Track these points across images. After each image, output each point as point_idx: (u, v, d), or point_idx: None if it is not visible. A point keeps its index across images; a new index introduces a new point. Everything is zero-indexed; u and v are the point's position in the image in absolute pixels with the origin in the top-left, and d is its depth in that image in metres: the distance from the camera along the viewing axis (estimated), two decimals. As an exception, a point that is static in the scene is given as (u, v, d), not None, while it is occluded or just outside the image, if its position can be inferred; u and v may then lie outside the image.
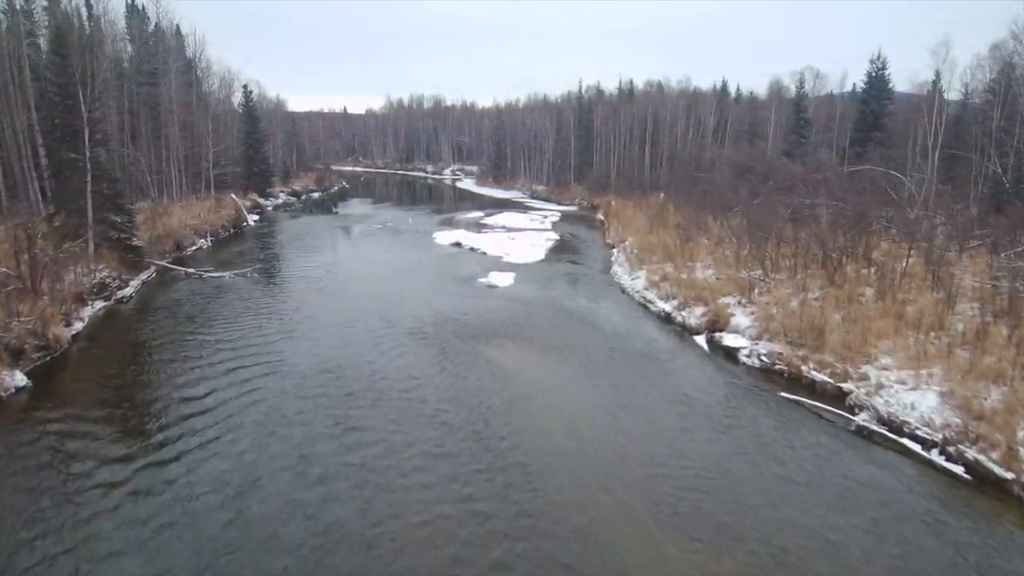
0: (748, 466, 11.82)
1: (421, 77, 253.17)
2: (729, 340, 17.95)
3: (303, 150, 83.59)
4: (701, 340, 18.91)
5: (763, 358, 16.70)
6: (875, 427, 13.18)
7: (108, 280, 23.42)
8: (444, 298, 23.63)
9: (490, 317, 21.16)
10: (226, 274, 27.14)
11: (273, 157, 68.61)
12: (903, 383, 13.97)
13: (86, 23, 39.77)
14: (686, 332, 19.90)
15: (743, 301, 20.00)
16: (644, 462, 11.85)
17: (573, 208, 57.15)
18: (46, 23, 37.04)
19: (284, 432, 12.60)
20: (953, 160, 36.92)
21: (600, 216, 48.64)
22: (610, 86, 74.21)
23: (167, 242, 31.04)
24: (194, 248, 33.62)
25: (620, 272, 27.34)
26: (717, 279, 22.95)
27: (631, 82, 72.37)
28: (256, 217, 46.75)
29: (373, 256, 32.98)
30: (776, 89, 50.79)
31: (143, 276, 26.19)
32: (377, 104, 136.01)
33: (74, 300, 20.70)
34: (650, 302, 22.65)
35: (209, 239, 35.84)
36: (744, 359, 17.10)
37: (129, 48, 48.47)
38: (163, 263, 27.99)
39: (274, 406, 13.72)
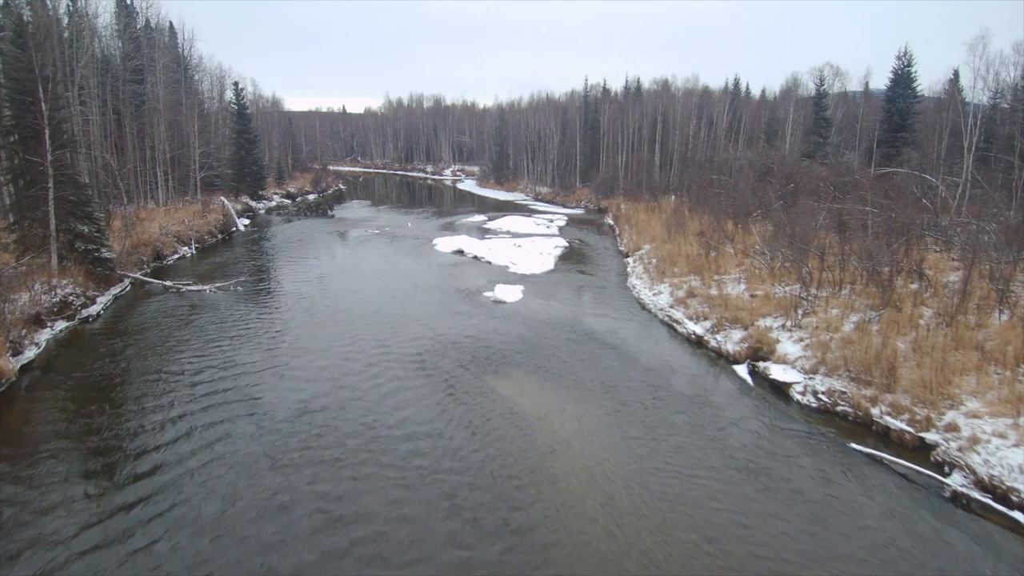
0: (826, 549, 9.42)
1: (421, 76, 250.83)
2: (778, 372, 15.53)
3: (299, 150, 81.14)
4: (742, 371, 16.49)
5: (821, 396, 14.29)
6: (976, 494, 10.77)
7: (72, 297, 21.00)
8: (447, 317, 21.23)
9: (500, 341, 18.75)
10: (206, 288, 24.70)
11: (268, 158, 66.30)
12: (1002, 437, 11.55)
13: (63, 16, 37.44)
14: (723, 359, 17.50)
15: (787, 324, 17.58)
16: (696, 543, 9.44)
17: (579, 211, 54.75)
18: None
19: (252, 530, 9.53)
20: (981, 163, 34.59)
21: (609, 220, 46.23)
22: (616, 84, 71.76)
23: (145, 251, 28.62)
24: (176, 257, 31.19)
25: (639, 286, 24.91)
26: (752, 296, 20.54)
27: (638, 80, 70.05)
28: (246, 222, 44.32)
29: (369, 266, 30.55)
30: (793, 87, 48.36)
31: (114, 291, 23.77)
32: (376, 103, 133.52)
33: (28, 323, 18.29)
34: (677, 322, 20.23)
35: (194, 247, 33.41)
36: (798, 396, 14.70)
37: (118, 44, 46.18)
38: (137, 276, 25.56)
39: (243, 483, 10.94)
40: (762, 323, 17.96)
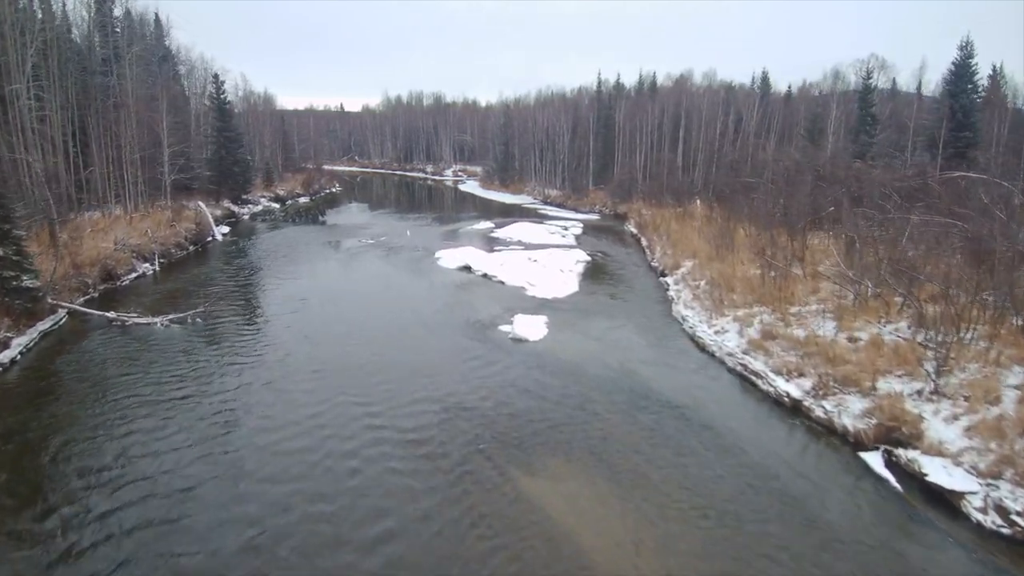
0: None
1: (421, 75, 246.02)
2: (936, 472, 10.83)
3: (292, 149, 76.33)
4: (875, 462, 11.78)
5: (1018, 520, 9.62)
6: None
7: (-27, 341, 16.31)
8: (456, 367, 16.54)
9: (528, 407, 14.07)
10: (158, 321, 19.97)
11: (260, 157, 61.66)
12: None
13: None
14: (836, 438, 12.81)
15: (924, 391, 12.89)
16: None
17: (594, 217, 50.05)
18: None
19: None
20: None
21: (631, 228, 41.51)
22: (630, 80, 67.13)
23: (92, 272, 23.89)
24: (133, 276, 26.42)
25: (691, 318, 20.18)
26: (850, 340, 15.85)
27: (653, 75, 65.35)
28: (226, 230, 39.58)
29: (361, 290, 25.81)
30: (834, 81, 43.66)
31: (44, 326, 19.04)
32: (374, 102, 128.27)
33: None
34: (757, 375, 15.52)
35: (158, 262, 28.66)
36: (976, 515, 10.01)
37: (85, 31, 41.44)
38: (73, 306, 20.83)
39: None
40: (886, 386, 13.28)
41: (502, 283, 26.46)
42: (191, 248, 32.82)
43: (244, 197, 47.46)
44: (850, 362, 14.46)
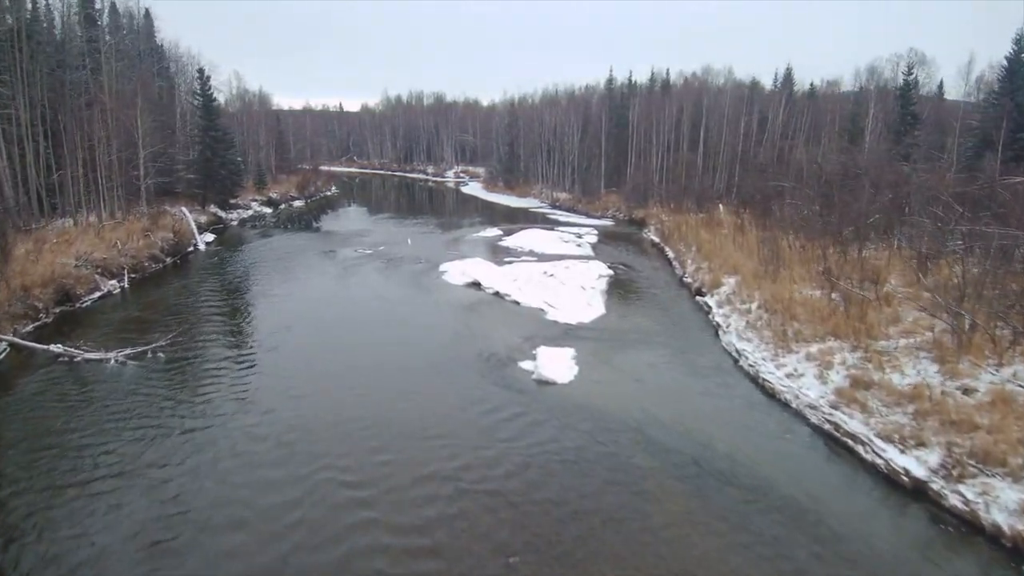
0: None
1: (420, 74, 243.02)
2: None
3: (287, 150, 73.02)
4: (1059, 587, 8.54)
5: None
6: None
7: None
8: (471, 421, 13.31)
9: (565, 483, 10.83)
10: (111, 357, 16.68)
11: (254, 159, 58.46)
12: None
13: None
14: (983, 539, 9.56)
15: (1105, 477, 9.63)
16: None
17: (608, 223, 46.80)
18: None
19: None
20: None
21: (652, 236, 38.27)
22: (642, 77, 63.87)
23: (43, 294, 20.63)
24: (97, 297, 23.15)
25: (750, 352, 16.89)
26: (968, 392, 12.59)
27: (666, 72, 62.07)
28: (210, 238, 36.31)
29: (355, 315, 22.46)
30: (870, 77, 40.31)
31: (-28, 363, 15.85)
32: (374, 101, 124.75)
33: None
34: (854, 439, 12.24)
35: (127, 279, 25.40)
36: None
37: (58, 22, 38.24)
38: (11, 338, 17.54)
39: None
40: (1045, 467, 10.01)
41: (517, 304, 23.22)
42: (168, 260, 29.51)
43: (233, 201, 44.20)
44: (980, 426, 11.20)
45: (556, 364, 16.46)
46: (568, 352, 17.49)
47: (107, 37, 41.49)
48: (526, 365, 16.66)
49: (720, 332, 19.30)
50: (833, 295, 19.23)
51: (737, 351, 17.33)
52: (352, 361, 17.06)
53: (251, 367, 16.45)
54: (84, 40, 37.44)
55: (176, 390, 14.95)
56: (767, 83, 53.08)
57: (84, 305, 22.24)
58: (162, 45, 49.62)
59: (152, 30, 49.99)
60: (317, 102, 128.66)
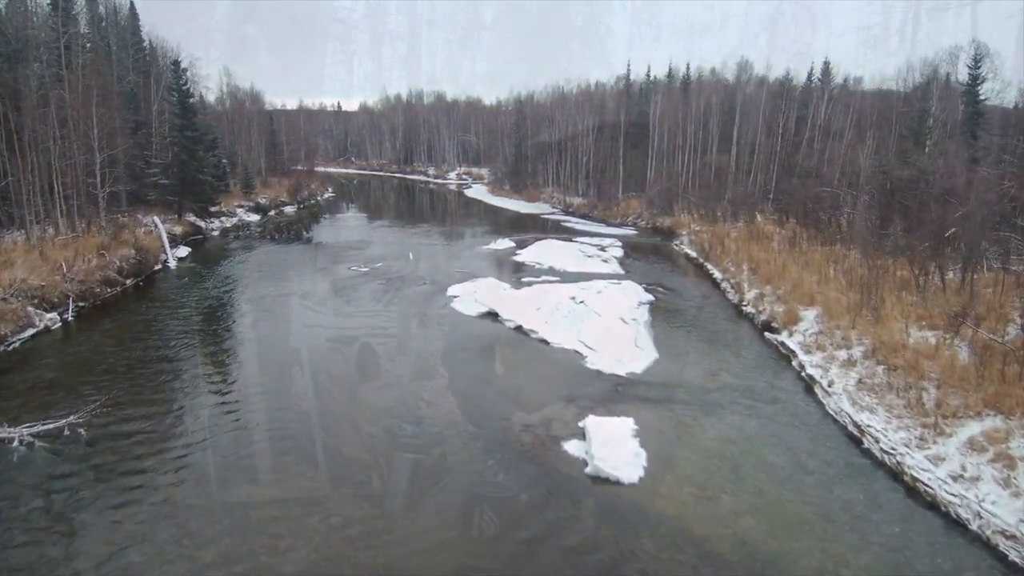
0: None
1: (421, 73, 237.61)
2: None
3: (280, 151, 68.51)
4: None
5: None
6: None
7: None
8: (504, 553, 8.92)
9: None
10: (15, 435, 12.26)
11: (244, 160, 54.06)
12: None
13: None
14: None
15: None
16: None
17: (630, 232, 42.34)
18: None
19: None
20: None
21: (686, 249, 33.81)
22: (661, 73, 59.50)
23: (-52, 338, 16.24)
24: (29, 335, 18.71)
25: (880, 432, 12.41)
26: None
27: (687, 67, 57.65)
28: (184, 252, 31.85)
29: (344, 365, 17.61)
30: (932, 73, 35.82)
31: None
32: (373, 100, 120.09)
33: None
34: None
35: (72, 309, 21.00)
36: None
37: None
38: None
39: None
40: None
41: (545, 343, 18.84)
42: (128, 283, 25.06)
43: (214, 209, 39.75)
44: None
45: (615, 448, 12.06)
46: (627, 425, 13.09)
47: (84, 28, 37.36)
48: (572, 448, 12.29)
49: (819, 391, 14.88)
50: (956, 341, 14.92)
51: (857, 426, 12.92)
52: (336, 443, 12.61)
53: (199, 454, 12.04)
54: (52, 29, 33.03)
55: (92, 492, 10.56)
56: (800, 78, 48.55)
57: (11, 347, 17.84)
58: (149, 41, 45.28)
59: (137, 25, 45.66)
60: (314, 101, 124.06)
